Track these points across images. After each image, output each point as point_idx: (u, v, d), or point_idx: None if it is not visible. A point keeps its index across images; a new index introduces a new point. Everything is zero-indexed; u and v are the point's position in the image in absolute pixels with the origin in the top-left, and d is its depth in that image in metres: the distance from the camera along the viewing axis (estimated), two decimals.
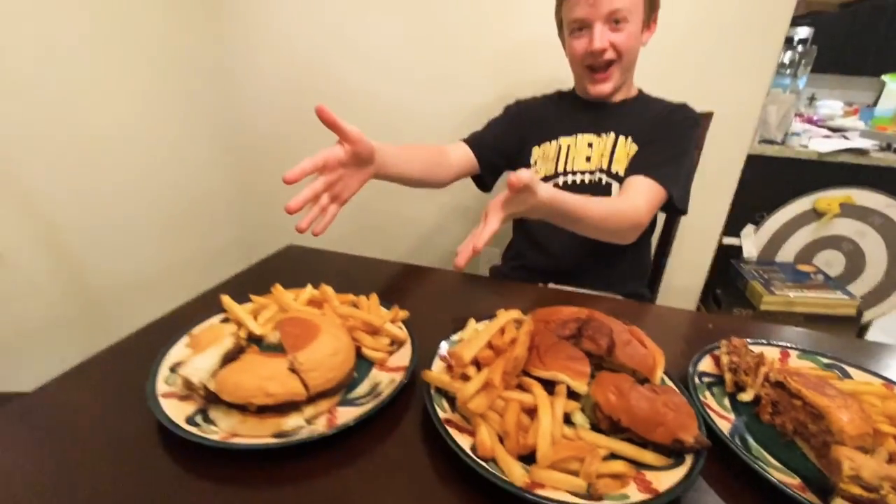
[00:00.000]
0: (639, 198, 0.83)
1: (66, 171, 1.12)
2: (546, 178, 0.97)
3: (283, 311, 0.60)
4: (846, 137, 1.61)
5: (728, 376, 0.54)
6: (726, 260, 1.59)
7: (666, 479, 0.40)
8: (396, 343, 0.58)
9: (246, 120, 1.58)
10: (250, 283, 0.69)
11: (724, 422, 0.49)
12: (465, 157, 0.99)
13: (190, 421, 0.44)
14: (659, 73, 1.04)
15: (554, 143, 0.98)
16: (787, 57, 1.49)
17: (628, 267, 0.98)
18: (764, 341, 0.61)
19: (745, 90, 1.19)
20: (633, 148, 0.92)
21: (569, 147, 0.97)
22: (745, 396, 0.52)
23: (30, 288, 1.10)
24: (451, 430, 0.44)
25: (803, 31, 1.53)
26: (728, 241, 1.56)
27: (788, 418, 0.48)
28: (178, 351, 0.53)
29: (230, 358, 0.50)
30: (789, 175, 1.52)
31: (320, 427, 0.45)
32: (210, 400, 0.45)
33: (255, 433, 0.43)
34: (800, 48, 1.50)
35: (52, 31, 1.05)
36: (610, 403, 0.44)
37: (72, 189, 1.14)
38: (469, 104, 1.36)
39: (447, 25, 1.31)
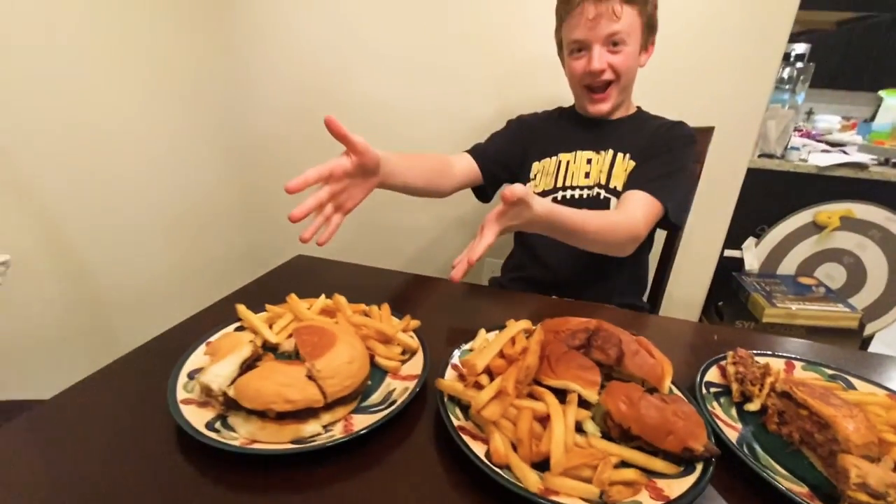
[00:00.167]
0: (636, 211, 0.84)
1: (77, 180, 1.14)
2: (545, 193, 0.98)
3: (298, 320, 0.61)
4: (845, 152, 1.64)
5: (735, 386, 0.55)
6: (728, 273, 1.60)
7: (677, 487, 0.41)
8: (408, 352, 0.59)
9: (254, 127, 1.59)
10: (262, 293, 0.70)
11: (732, 431, 0.50)
12: (468, 167, 1.00)
13: (210, 427, 0.45)
14: (661, 89, 1.06)
15: (554, 158, 1.00)
16: (786, 73, 1.52)
17: (626, 280, 0.99)
18: (769, 352, 0.62)
19: (744, 105, 1.22)
20: (631, 164, 0.94)
21: (568, 163, 0.98)
22: (752, 406, 0.53)
23: (39, 295, 1.11)
24: (465, 438, 0.44)
25: (801, 48, 1.57)
26: (729, 253, 1.58)
27: (795, 427, 0.49)
28: (196, 358, 0.54)
29: (248, 366, 0.51)
30: (789, 188, 1.54)
31: (337, 434, 0.46)
32: (229, 406, 0.46)
33: (275, 439, 0.44)
34: (798, 64, 1.53)
35: (55, 38, 1.05)
36: (621, 412, 0.45)
37: (81, 198, 1.15)
38: (473, 117, 1.39)
39: (454, 43, 1.34)
